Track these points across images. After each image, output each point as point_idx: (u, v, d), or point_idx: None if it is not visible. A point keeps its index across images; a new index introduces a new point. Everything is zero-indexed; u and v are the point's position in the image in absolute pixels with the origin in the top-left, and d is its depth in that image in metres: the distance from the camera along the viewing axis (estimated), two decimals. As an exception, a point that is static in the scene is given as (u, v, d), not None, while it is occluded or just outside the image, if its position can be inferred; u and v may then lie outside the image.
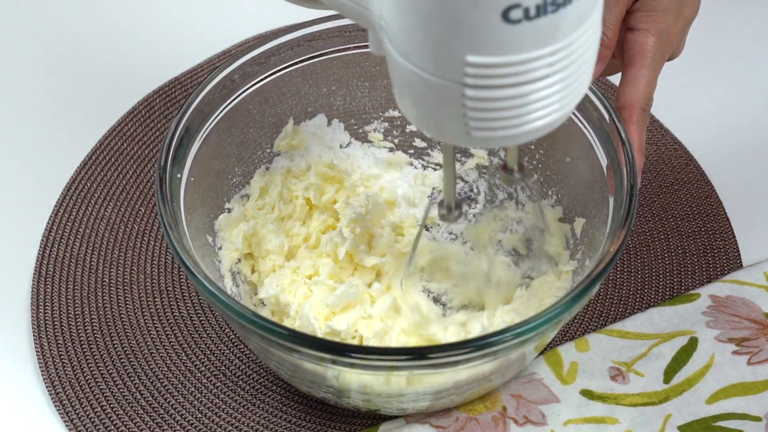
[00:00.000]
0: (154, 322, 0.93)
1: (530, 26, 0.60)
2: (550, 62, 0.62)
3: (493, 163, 0.95)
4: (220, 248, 0.88)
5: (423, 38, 0.62)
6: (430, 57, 0.62)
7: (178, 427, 0.87)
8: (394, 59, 0.65)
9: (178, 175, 0.81)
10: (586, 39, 0.63)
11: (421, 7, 0.61)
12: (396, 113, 0.96)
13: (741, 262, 0.96)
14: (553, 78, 0.63)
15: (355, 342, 0.86)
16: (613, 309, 0.93)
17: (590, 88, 0.83)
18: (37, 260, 0.96)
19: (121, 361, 0.90)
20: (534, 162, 0.92)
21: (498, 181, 0.84)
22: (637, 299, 0.94)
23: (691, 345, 0.88)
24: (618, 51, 0.85)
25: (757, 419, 0.85)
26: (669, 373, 0.87)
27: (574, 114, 0.85)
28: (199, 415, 0.87)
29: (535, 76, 0.62)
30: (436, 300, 0.91)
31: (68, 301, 0.94)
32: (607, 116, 0.82)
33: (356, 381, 0.78)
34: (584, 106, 0.84)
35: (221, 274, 0.87)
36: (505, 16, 0.59)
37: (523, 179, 0.79)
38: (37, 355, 0.91)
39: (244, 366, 0.90)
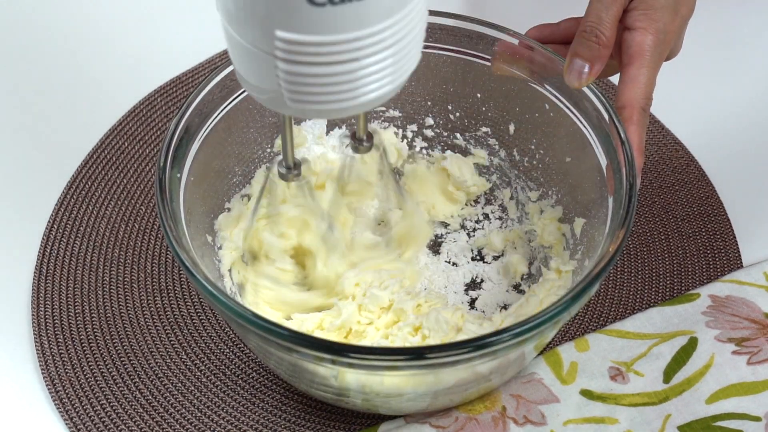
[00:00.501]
0: (154, 321, 0.93)
1: (335, 10, 0.61)
2: (361, 45, 0.64)
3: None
4: (219, 248, 0.88)
5: (241, 9, 0.64)
6: (248, 27, 0.64)
7: (178, 426, 0.87)
8: (222, 26, 0.67)
9: (178, 175, 0.81)
10: (407, 23, 0.65)
11: None
12: (397, 113, 0.96)
13: (741, 262, 0.96)
14: (370, 59, 0.65)
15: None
16: (612, 309, 0.93)
17: (589, 88, 0.83)
18: (38, 259, 0.96)
19: (121, 360, 0.90)
20: (534, 162, 0.93)
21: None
22: (637, 299, 0.94)
23: (691, 345, 0.88)
24: (616, 51, 0.85)
25: (757, 419, 0.85)
26: (669, 373, 0.87)
27: (573, 113, 0.85)
28: (199, 414, 0.88)
29: (348, 57, 0.64)
30: None
31: (68, 299, 0.94)
32: (606, 116, 0.82)
33: (355, 381, 0.78)
34: (584, 106, 0.84)
35: (221, 274, 0.87)
36: None
37: (371, 148, 0.83)
38: (37, 353, 0.91)
39: (243, 365, 0.91)
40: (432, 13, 0.89)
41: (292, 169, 0.81)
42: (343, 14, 0.62)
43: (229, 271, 0.88)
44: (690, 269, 0.96)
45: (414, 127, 0.97)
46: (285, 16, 0.62)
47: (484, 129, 0.95)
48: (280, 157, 0.80)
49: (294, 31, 0.62)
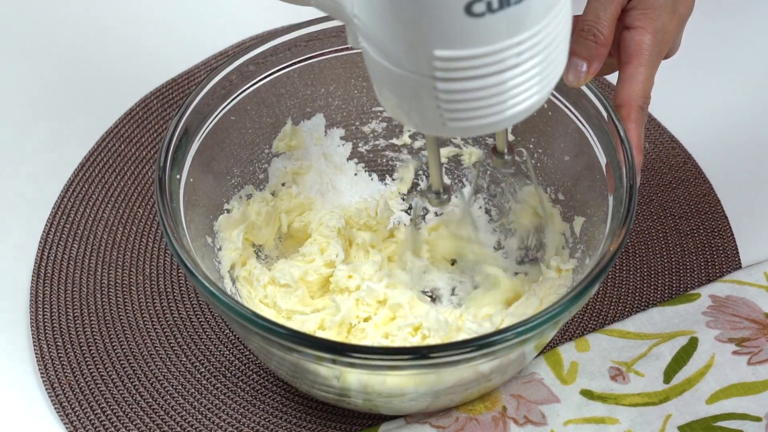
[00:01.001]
0: (154, 323, 0.93)
1: (494, 18, 0.61)
2: (518, 52, 0.63)
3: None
4: (219, 249, 0.88)
5: (392, 34, 0.63)
6: (400, 52, 0.64)
7: (179, 429, 0.87)
8: (369, 55, 0.66)
9: (178, 176, 0.81)
10: (555, 26, 0.65)
11: (388, 3, 0.62)
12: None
13: (739, 259, 0.96)
14: (523, 66, 0.64)
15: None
16: (612, 308, 0.93)
17: (588, 87, 0.83)
18: (36, 262, 0.96)
19: (121, 363, 0.90)
20: (533, 161, 0.92)
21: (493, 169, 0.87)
22: (636, 298, 0.94)
23: (692, 345, 0.88)
24: (614, 50, 0.85)
25: (757, 419, 0.85)
26: (669, 373, 0.87)
27: (572, 112, 0.85)
28: (200, 417, 0.87)
29: (505, 66, 0.63)
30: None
31: (67, 303, 0.94)
32: (605, 115, 0.82)
33: (357, 381, 0.78)
34: (582, 105, 0.84)
35: (221, 275, 0.87)
36: (469, 9, 0.60)
37: (515, 160, 0.82)
38: (36, 357, 0.91)
39: (244, 367, 0.90)
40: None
41: (441, 193, 0.80)
42: (499, 22, 0.61)
43: (229, 272, 0.88)
44: (688, 267, 0.96)
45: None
46: (443, 34, 0.61)
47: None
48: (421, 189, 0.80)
49: (453, 47, 0.62)
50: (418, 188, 0.97)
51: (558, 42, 0.66)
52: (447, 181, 0.83)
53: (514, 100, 0.66)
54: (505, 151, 0.81)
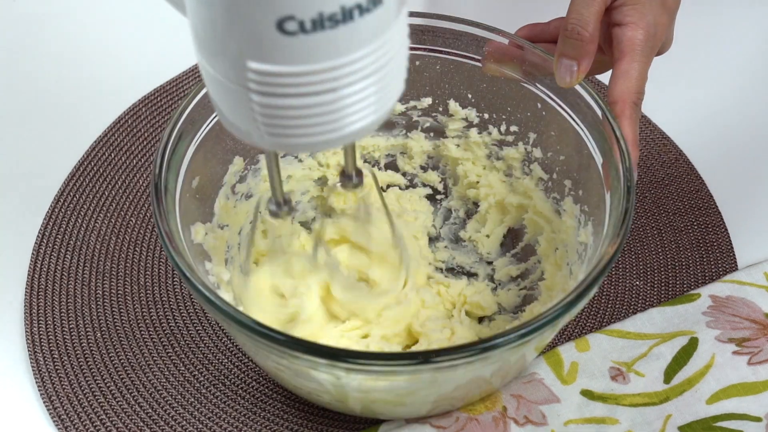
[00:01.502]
0: (150, 333, 0.92)
1: (308, 39, 0.59)
2: (335, 76, 0.61)
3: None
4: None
5: (211, 40, 0.61)
6: (220, 59, 0.62)
7: (180, 439, 0.87)
8: (198, 60, 0.65)
9: (173, 183, 0.81)
10: (382, 54, 0.62)
11: (208, 9, 0.60)
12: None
13: (734, 254, 0.97)
14: (345, 90, 0.62)
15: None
16: (610, 307, 0.93)
17: (581, 85, 0.83)
18: (29, 274, 0.96)
19: (119, 373, 0.90)
20: (527, 161, 0.92)
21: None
22: (635, 297, 0.94)
23: (692, 345, 0.88)
24: (607, 47, 0.85)
25: (758, 419, 0.85)
26: (669, 373, 0.87)
27: (566, 112, 0.85)
28: (200, 426, 0.87)
29: (322, 88, 0.61)
30: None
31: (62, 314, 0.93)
32: (599, 113, 0.82)
33: (355, 387, 0.77)
34: (576, 104, 0.84)
35: (217, 282, 0.87)
36: (281, 27, 0.58)
37: (359, 185, 0.80)
38: (33, 370, 0.90)
39: (243, 374, 0.90)
40: (420, 14, 0.89)
41: (282, 205, 0.78)
42: (316, 43, 0.59)
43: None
44: (684, 263, 0.96)
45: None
46: (256, 46, 0.60)
47: (475, 129, 0.95)
48: (267, 195, 0.78)
49: (266, 61, 0.60)
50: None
51: (391, 66, 0.64)
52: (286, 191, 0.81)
53: (342, 122, 0.63)
54: (353, 173, 0.79)
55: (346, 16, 0.59)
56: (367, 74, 0.62)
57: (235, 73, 0.62)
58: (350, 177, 0.80)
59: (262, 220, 0.91)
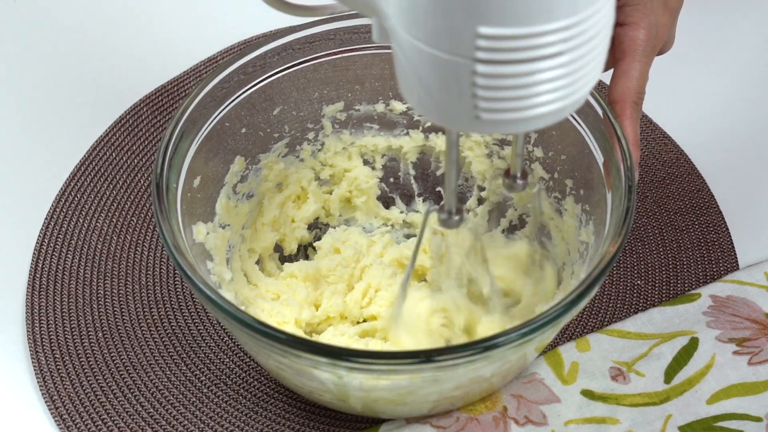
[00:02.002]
0: (152, 332, 0.92)
1: None
2: (563, 38, 0.59)
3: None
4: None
5: (433, 10, 0.59)
6: (441, 30, 0.60)
7: (181, 439, 0.87)
8: (400, 39, 0.63)
9: (174, 184, 0.81)
10: (600, 18, 0.61)
11: None
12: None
13: (735, 254, 0.97)
14: (564, 57, 0.60)
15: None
16: (611, 307, 0.93)
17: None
18: (30, 274, 0.96)
19: (120, 373, 0.90)
20: (528, 161, 0.92)
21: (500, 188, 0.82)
22: (636, 297, 0.94)
23: (692, 345, 0.88)
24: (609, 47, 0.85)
25: (758, 420, 0.85)
26: (670, 373, 0.87)
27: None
28: (202, 425, 0.87)
29: (548, 52, 0.60)
30: None
31: (63, 314, 0.93)
32: (600, 112, 0.82)
33: (357, 386, 0.77)
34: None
35: (218, 281, 0.87)
36: None
37: (525, 187, 0.78)
38: (34, 370, 0.90)
39: (244, 374, 0.90)
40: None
41: (453, 214, 0.75)
42: (548, 1, 0.58)
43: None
44: (685, 263, 0.96)
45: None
46: (490, 10, 0.58)
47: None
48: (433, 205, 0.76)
49: (499, 24, 0.58)
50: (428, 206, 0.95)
51: (598, 41, 0.62)
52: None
53: (545, 97, 0.62)
54: (518, 174, 0.77)
55: None
56: (588, 38, 0.61)
57: (460, 44, 0.59)
58: (515, 177, 0.77)
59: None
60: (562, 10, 0.59)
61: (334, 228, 0.98)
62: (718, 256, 0.96)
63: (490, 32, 0.59)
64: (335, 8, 0.77)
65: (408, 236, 0.99)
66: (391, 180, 0.99)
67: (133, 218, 1.00)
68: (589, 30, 0.61)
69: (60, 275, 0.96)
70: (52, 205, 1.00)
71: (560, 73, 0.61)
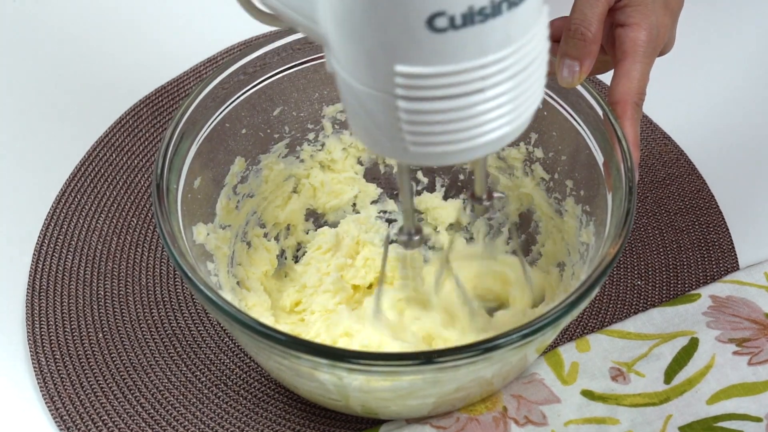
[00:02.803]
0: (152, 333, 0.92)
1: (457, 36, 0.59)
2: (484, 75, 0.60)
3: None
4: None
5: (356, 49, 0.61)
6: (364, 67, 0.62)
7: (182, 440, 0.87)
8: (337, 73, 0.64)
9: (174, 186, 0.81)
10: (527, 52, 0.62)
11: (352, 16, 0.60)
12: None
13: (735, 254, 0.97)
14: (492, 91, 0.61)
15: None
16: (611, 308, 0.93)
17: (582, 85, 0.83)
18: (30, 275, 0.96)
19: (120, 374, 0.90)
20: (533, 159, 0.92)
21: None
22: (636, 297, 0.94)
23: (692, 345, 0.88)
24: (609, 48, 0.85)
25: (758, 420, 0.85)
26: (670, 373, 0.87)
27: (567, 112, 0.85)
28: (202, 426, 0.87)
29: (470, 88, 0.61)
30: None
31: (63, 315, 0.93)
32: (601, 113, 0.82)
33: (357, 386, 0.77)
34: (577, 104, 0.84)
35: (219, 282, 0.87)
36: (431, 24, 0.58)
37: (491, 208, 0.78)
38: (35, 371, 0.90)
39: (245, 375, 0.90)
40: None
41: (413, 234, 0.78)
42: (464, 40, 0.59)
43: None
44: (685, 263, 0.96)
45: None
46: (405, 48, 0.59)
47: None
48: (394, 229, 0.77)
49: (414, 63, 0.60)
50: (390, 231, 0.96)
51: (533, 69, 0.63)
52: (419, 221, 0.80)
53: (481, 129, 0.63)
54: (484, 196, 0.78)
55: (495, 10, 0.59)
56: (515, 73, 0.62)
57: (381, 81, 0.61)
58: (480, 199, 0.78)
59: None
60: (478, 49, 0.60)
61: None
62: (718, 257, 0.96)
63: (406, 71, 0.60)
64: None
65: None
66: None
67: (133, 219, 1.00)
68: (513, 65, 0.62)
69: (60, 276, 0.96)
70: (53, 206, 1.00)
71: (487, 107, 0.62)
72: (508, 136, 0.65)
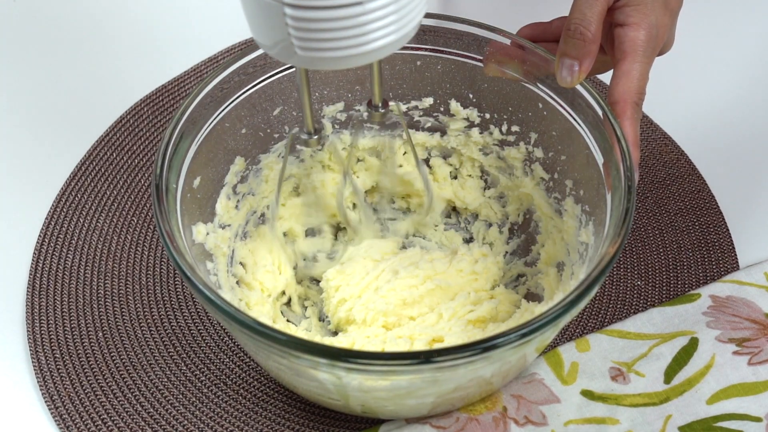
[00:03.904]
0: (152, 332, 0.92)
1: None
2: None
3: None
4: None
5: None
6: None
7: (181, 439, 0.87)
8: None
9: (174, 185, 0.81)
10: None
11: None
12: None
13: (735, 254, 0.97)
14: (371, 4, 0.65)
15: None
16: (611, 307, 0.93)
17: (582, 85, 0.83)
18: (30, 274, 0.96)
19: (120, 373, 0.90)
20: (533, 159, 0.92)
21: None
22: (636, 297, 0.94)
23: (692, 345, 0.88)
24: (608, 47, 0.85)
25: (758, 420, 0.85)
26: (669, 373, 0.87)
27: (567, 112, 0.85)
28: (201, 425, 0.87)
29: (349, 0, 0.65)
30: None
31: (64, 314, 0.93)
32: (600, 113, 0.82)
33: (356, 386, 0.77)
34: (578, 104, 0.84)
35: (218, 281, 0.87)
36: None
37: (386, 116, 0.83)
38: (34, 369, 0.90)
39: (244, 374, 0.90)
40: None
41: (313, 134, 0.81)
42: None
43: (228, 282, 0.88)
44: (685, 263, 0.96)
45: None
46: None
47: (476, 129, 0.95)
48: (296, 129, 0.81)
49: None
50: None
51: None
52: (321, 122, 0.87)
53: (366, 37, 0.67)
54: (380, 104, 0.83)
55: None
56: None
57: None
58: (377, 107, 0.83)
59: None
60: None
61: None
62: (718, 257, 0.96)
63: None
64: None
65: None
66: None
67: (133, 218, 1.00)
68: None
69: (60, 275, 0.96)
70: (53, 205, 1.00)
71: (372, 17, 0.66)
72: (394, 44, 0.69)
